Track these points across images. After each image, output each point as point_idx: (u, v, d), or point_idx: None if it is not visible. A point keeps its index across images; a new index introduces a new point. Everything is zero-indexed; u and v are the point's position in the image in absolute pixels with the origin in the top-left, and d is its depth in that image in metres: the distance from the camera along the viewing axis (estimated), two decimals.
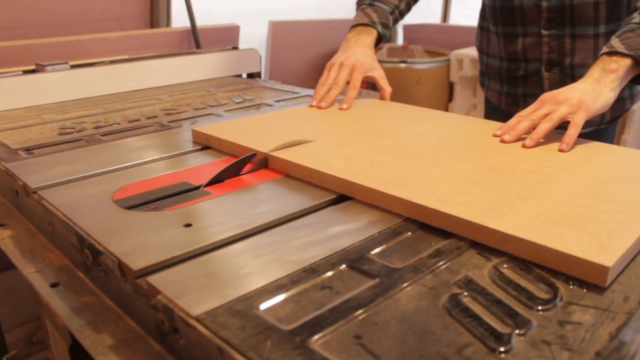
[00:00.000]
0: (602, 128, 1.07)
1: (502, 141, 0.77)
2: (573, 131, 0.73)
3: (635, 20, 0.81)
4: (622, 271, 0.47)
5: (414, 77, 2.69)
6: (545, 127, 0.75)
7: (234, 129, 0.85)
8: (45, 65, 1.13)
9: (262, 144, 0.75)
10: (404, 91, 2.69)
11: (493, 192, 0.59)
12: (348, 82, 1.01)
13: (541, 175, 0.64)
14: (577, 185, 0.62)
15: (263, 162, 0.73)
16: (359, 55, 1.02)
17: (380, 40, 1.10)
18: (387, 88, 1.06)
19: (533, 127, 0.76)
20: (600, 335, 0.39)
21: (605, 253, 0.46)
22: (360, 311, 0.42)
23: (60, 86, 1.13)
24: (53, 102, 1.12)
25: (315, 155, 0.71)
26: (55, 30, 1.80)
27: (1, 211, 0.72)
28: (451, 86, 2.76)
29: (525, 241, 0.49)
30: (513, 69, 1.07)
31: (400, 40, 3.31)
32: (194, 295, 0.43)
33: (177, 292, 0.43)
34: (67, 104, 1.12)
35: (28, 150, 0.82)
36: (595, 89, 0.76)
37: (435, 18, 3.30)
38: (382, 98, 1.06)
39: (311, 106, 0.98)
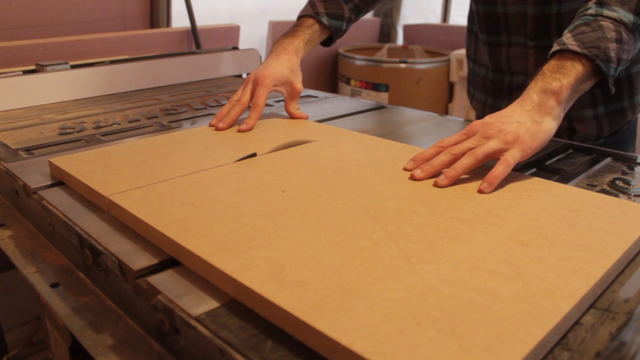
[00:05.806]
0: (602, 142, 0.93)
1: (412, 178, 0.61)
2: (500, 169, 0.59)
3: (591, 11, 0.68)
4: (622, 271, 0.47)
5: (414, 77, 2.69)
6: (465, 163, 0.60)
7: (94, 161, 0.68)
8: (45, 65, 1.13)
9: (111, 184, 0.60)
10: (404, 91, 2.70)
11: (357, 262, 0.43)
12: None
13: (438, 233, 0.48)
14: (480, 249, 0.45)
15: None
16: (272, 65, 0.89)
17: (332, 36, 0.96)
18: (296, 113, 0.91)
19: (453, 163, 0.61)
20: (600, 336, 0.39)
21: None
22: None
23: (60, 86, 1.13)
24: (53, 102, 1.12)
25: (162, 200, 0.56)
26: (55, 30, 1.80)
27: (1, 211, 0.72)
28: (451, 86, 2.77)
29: (356, 356, 0.33)
30: (497, 81, 0.97)
31: (400, 40, 3.31)
32: (194, 295, 0.43)
33: (177, 292, 0.43)
34: (67, 104, 1.12)
35: (28, 150, 0.82)
36: (535, 120, 0.62)
37: (435, 18, 3.30)
38: (290, 115, 0.92)
39: (211, 125, 0.85)
